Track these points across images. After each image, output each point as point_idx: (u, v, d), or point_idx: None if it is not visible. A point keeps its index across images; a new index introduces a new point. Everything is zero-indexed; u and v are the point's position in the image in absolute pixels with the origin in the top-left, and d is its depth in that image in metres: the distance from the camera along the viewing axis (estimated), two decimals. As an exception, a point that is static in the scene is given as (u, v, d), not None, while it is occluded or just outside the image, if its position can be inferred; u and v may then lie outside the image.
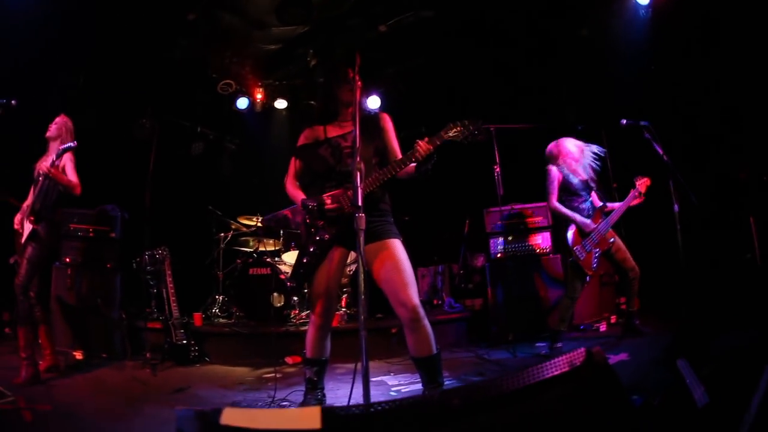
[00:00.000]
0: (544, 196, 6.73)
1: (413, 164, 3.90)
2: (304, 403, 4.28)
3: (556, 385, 1.79)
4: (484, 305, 7.75)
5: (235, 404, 4.98)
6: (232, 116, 10.08)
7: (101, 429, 4.36)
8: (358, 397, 4.31)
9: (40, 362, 5.80)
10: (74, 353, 6.74)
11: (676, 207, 5.56)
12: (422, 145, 3.77)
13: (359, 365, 3.05)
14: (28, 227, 5.65)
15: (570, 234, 6.00)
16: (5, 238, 6.31)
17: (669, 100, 7.32)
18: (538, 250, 7.38)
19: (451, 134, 3.82)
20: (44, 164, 5.61)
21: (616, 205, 6.13)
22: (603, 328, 7.14)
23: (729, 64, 6.90)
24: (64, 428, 4.33)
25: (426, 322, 3.84)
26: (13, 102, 5.16)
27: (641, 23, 7.46)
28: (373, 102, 9.68)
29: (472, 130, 3.80)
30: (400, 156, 4.13)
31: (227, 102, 9.86)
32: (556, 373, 1.81)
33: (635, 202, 6.12)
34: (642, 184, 6.09)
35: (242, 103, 9.98)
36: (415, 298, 3.84)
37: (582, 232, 5.97)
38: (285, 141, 10.38)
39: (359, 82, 3.71)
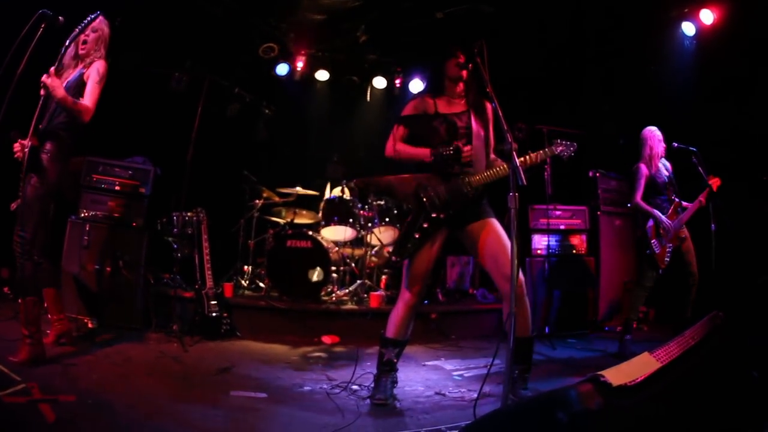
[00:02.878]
0: (584, 199, 6.83)
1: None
2: (380, 387, 3.68)
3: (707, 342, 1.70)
4: (519, 299, 6.59)
5: (296, 386, 3.93)
6: (271, 81, 8.54)
7: (151, 428, 2.87)
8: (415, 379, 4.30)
9: (48, 331, 4.13)
10: (86, 321, 5.14)
11: (713, 226, 5.30)
12: (532, 156, 3.51)
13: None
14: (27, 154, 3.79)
15: (648, 227, 5.44)
16: (5, 185, 4.30)
17: (712, 126, 6.43)
18: (574, 251, 6.67)
19: (557, 150, 3.63)
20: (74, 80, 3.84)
21: (689, 204, 5.59)
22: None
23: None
24: (100, 428, 2.79)
25: (527, 299, 3.54)
26: (60, 18, 3.71)
27: (687, 52, 6.83)
28: (416, 85, 8.67)
29: (572, 151, 3.65)
30: (493, 148, 3.86)
31: (267, 66, 8.34)
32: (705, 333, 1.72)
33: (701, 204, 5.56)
34: (714, 182, 5.47)
35: (282, 69, 8.45)
36: (520, 273, 3.39)
37: (658, 230, 5.41)
38: (323, 113, 9.05)
39: (485, 72, 3.29)
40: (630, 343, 5.33)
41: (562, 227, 6.66)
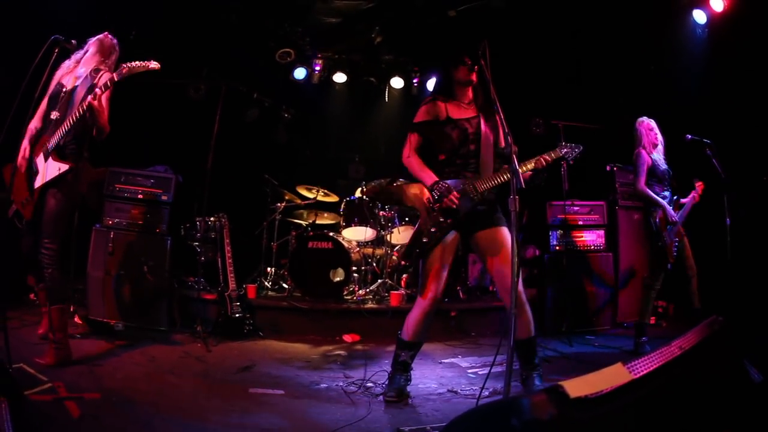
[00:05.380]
0: (603, 194, 6.80)
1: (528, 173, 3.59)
2: (393, 384, 3.78)
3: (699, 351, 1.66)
4: (536, 296, 6.73)
5: (313, 384, 4.08)
6: (289, 86, 8.74)
7: (171, 423, 3.05)
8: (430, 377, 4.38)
9: (43, 322, 4.43)
10: (113, 324, 5.37)
11: (728, 220, 5.33)
12: (534, 162, 3.54)
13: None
14: (50, 169, 3.86)
15: (658, 219, 5.41)
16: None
17: (725, 114, 6.43)
18: (592, 247, 6.63)
19: (562, 152, 3.58)
20: (84, 92, 3.86)
21: (685, 200, 5.58)
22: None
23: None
24: (122, 423, 2.97)
25: (528, 307, 3.62)
26: (73, 42, 3.96)
27: (699, 41, 6.78)
28: (430, 84, 8.69)
29: (578, 153, 3.60)
30: None
31: (284, 71, 8.54)
32: (699, 339, 1.68)
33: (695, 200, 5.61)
34: (699, 186, 5.55)
35: (300, 73, 8.66)
36: (520, 285, 3.41)
37: (666, 220, 5.37)
38: (342, 115, 9.25)
39: (488, 72, 3.34)
40: (646, 344, 5.32)
41: (580, 223, 6.63)
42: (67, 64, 4.06)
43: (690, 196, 5.54)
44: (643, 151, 5.51)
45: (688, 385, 1.60)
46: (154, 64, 3.82)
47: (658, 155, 5.52)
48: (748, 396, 1.71)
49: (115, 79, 3.76)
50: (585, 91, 7.77)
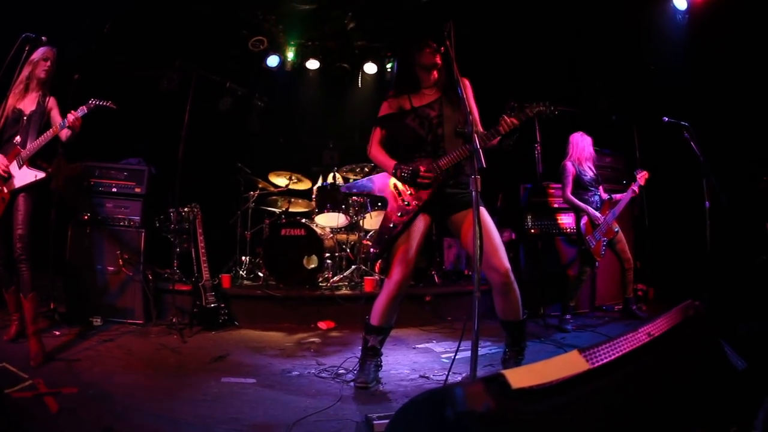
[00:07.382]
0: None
1: (497, 138, 3.57)
2: (364, 370, 3.89)
3: (675, 334, 1.58)
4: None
5: (285, 372, 4.21)
6: (262, 73, 8.85)
7: (144, 413, 3.21)
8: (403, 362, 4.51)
9: (11, 329, 4.67)
10: (91, 319, 5.51)
11: (707, 204, 5.51)
12: (507, 121, 3.49)
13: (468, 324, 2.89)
14: (25, 176, 4.24)
15: (583, 224, 5.98)
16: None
17: (703, 101, 6.56)
18: (568, 230, 6.75)
19: (535, 111, 3.50)
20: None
21: (621, 196, 6.10)
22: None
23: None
24: (98, 415, 3.12)
25: (516, 287, 3.61)
26: (43, 38, 4.22)
27: (679, 27, 6.90)
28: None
29: (553, 109, 3.52)
30: (479, 122, 3.84)
31: (257, 59, 8.65)
32: (672, 324, 1.59)
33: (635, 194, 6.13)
34: (642, 177, 6.06)
35: (273, 60, 8.76)
36: (506, 262, 3.55)
37: (593, 224, 5.96)
38: (315, 102, 9.38)
39: (452, 52, 3.32)
40: (569, 323, 5.81)
41: (555, 206, 6.72)
42: (18, 89, 4.34)
43: (629, 190, 6.00)
44: (568, 163, 6.09)
45: (658, 376, 1.49)
46: (111, 105, 4.35)
47: (586, 165, 6.11)
48: (730, 385, 1.63)
49: (86, 111, 4.23)
50: (561, 74, 7.92)
